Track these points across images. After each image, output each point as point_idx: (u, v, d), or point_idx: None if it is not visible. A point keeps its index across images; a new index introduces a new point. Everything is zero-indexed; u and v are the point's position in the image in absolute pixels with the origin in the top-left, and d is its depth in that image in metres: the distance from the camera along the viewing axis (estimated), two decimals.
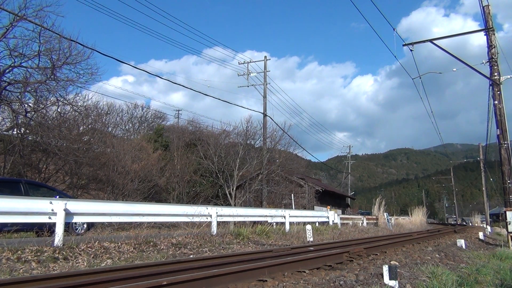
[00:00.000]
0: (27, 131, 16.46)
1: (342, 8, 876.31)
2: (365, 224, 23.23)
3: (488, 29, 13.26)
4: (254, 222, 13.29)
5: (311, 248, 7.52)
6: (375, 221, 25.06)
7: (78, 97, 18.11)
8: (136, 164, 21.76)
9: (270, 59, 25.56)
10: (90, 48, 14.28)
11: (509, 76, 13.62)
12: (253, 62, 25.39)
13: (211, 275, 3.82)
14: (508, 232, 11.97)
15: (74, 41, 14.20)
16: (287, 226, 13.14)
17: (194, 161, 26.78)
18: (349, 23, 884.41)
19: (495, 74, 13.12)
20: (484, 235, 15.34)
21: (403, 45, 13.86)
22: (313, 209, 27.01)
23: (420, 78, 15.25)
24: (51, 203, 6.59)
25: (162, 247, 7.30)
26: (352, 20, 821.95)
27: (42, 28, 13.77)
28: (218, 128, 31.93)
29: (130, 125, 35.02)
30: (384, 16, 11.34)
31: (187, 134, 31.08)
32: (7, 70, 14.56)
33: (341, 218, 20.17)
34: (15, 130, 16.17)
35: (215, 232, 9.48)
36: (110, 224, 12.47)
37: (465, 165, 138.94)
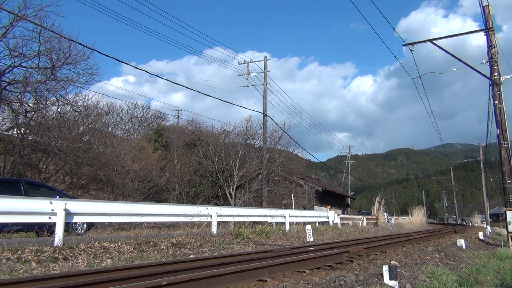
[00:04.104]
0: (27, 131, 16.45)
1: (342, 9, 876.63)
2: (365, 224, 23.23)
3: (488, 29, 13.26)
4: (254, 222, 13.29)
5: (311, 248, 7.52)
6: (375, 221, 25.06)
7: (78, 97, 18.13)
8: (136, 164, 21.76)
9: (270, 59, 25.59)
10: (90, 48, 14.30)
11: (509, 76, 13.63)
12: (253, 62, 25.41)
13: (211, 275, 3.82)
14: (508, 232, 11.97)
15: (74, 41, 14.21)
16: (287, 226, 13.14)
17: (194, 161, 26.79)
18: (348, 24, 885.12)
19: (495, 74, 13.13)
20: (484, 235, 15.34)
21: (403, 45, 13.87)
22: (313, 209, 27.02)
23: (420, 78, 15.27)
24: (51, 203, 6.58)
25: (162, 247, 7.30)
26: (351, 21, 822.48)
27: (42, 28, 13.77)
28: (218, 128, 31.98)
29: (130, 125, 35.05)
30: (384, 16, 11.36)
31: (187, 134, 31.09)
32: (7, 70, 14.56)
33: (341, 218, 20.17)
34: (15, 130, 16.16)
35: (215, 232, 9.48)
36: (110, 224, 12.48)
37: (465, 165, 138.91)
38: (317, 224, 16.76)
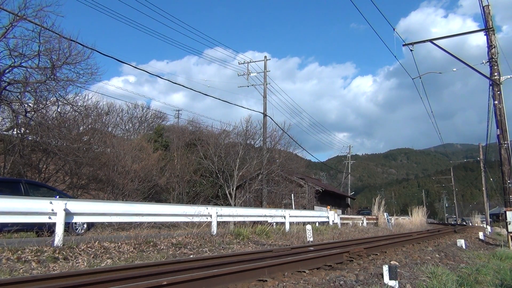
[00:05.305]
0: (27, 131, 16.44)
1: (342, 9, 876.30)
2: (365, 224, 23.24)
3: (488, 29, 13.26)
4: (254, 222, 13.29)
5: (311, 248, 7.52)
6: (375, 221, 25.06)
7: (78, 97, 18.11)
8: (136, 164, 21.77)
9: (270, 59, 25.59)
10: (90, 48, 14.30)
11: (509, 76, 13.63)
12: (253, 62, 25.41)
13: (211, 275, 3.82)
14: (508, 232, 11.97)
15: (74, 41, 14.21)
16: (287, 226, 13.14)
17: (194, 161, 26.80)
18: (348, 24, 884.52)
19: (495, 74, 13.13)
20: (484, 235, 15.34)
21: (403, 45, 13.87)
22: (313, 209, 27.02)
23: (420, 78, 15.27)
24: (51, 203, 6.58)
25: (162, 247, 7.30)
26: (351, 21, 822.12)
27: (42, 28, 13.77)
28: (218, 128, 32.01)
29: (130, 125, 35.05)
30: (384, 16, 11.36)
31: (187, 134, 31.10)
32: (7, 70, 14.55)
33: (341, 218, 20.17)
34: (15, 130, 16.15)
35: (215, 232, 9.48)
36: (110, 224, 12.48)
37: (465, 165, 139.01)
38: (317, 224, 16.76)
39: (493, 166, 39.39)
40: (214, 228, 9.59)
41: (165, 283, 3.35)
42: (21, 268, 4.90)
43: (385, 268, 4.10)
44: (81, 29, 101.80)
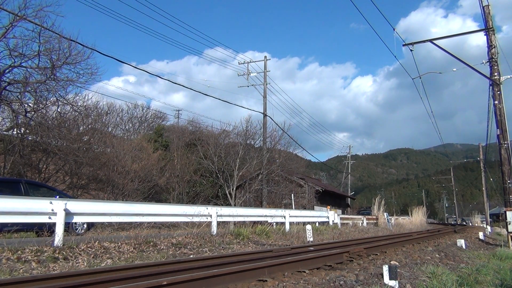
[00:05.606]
0: (27, 131, 16.45)
1: (342, 9, 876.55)
2: (365, 224, 23.24)
3: (488, 29, 13.26)
4: (254, 222, 13.29)
5: (311, 248, 7.52)
6: (375, 221, 25.06)
7: (78, 97, 18.12)
8: (136, 164, 21.77)
9: (270, 59, 25.59)
10: (90, 48, 14.30)
11: (509, 76, 13.63)
12: (253, 62, 25.41)
13: (211, 275, 3.82)
14: (508, 232, 11.98)
15: (74, 41, 14.21)
16: (287, 226, 13.14)
17: (194, 161, 26.80)
18: (348, 24, 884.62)
19: (495, 74, 13.13)
20: (484, 235, 15.34)
21: (403, 45, 13.88)
22: (313, 209, 27.01)
23: (420, 78, 15.28)
24: (51, 203, 6.58)
25: (162, 247, 7.30)
26: (351, 21, 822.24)
27: (42, 28, 13.77)
28: (218, 128, 32.02)
29: (130, 125, 35.05)
30: (384, 16, 11.36)
31: (187, 134, 31.11)
32: (7, 70, 14.55)
33: (341, 218, 20.17)
34: (15, 130, 16.16)
35: (215, 232, 9.48)
36: (110, 224, 12.49)
37: (465, 165, 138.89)
38: (317, 224, 16.76)
39: (493, 166, 39.40)
40: (214, 228, 9.59)
41: (165, 283, 3.35)
42: (21, 268, 4.90)
43: (385, 268, 4.10)
44: (81, 29, 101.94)
